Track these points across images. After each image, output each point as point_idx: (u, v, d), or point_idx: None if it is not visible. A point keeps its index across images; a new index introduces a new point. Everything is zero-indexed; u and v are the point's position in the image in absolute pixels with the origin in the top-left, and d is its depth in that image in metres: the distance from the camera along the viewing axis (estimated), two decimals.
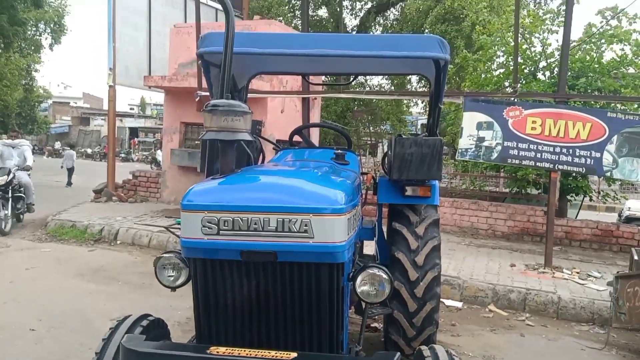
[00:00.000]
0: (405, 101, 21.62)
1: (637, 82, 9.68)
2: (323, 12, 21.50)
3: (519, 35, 9.00)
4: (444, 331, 4.95)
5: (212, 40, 3.26)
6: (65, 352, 4.14)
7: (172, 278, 2.65)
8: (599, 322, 5.58)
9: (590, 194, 10.77)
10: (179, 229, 2.47)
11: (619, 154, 6.96)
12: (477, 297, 6.12)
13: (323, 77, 12.41)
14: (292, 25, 19.00)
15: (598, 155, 6.98)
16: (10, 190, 8.89)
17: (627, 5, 12.86)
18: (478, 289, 6.17)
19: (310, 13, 19.78)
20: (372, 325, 4.94)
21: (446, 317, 5.47)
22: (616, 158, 6.97)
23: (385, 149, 4.88)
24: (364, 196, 4.21)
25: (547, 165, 7.20)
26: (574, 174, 9.19)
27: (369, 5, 21.41)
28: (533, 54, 10.81)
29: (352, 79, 5.65)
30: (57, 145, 43.50)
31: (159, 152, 25.21)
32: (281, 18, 19.27)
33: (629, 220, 12.65)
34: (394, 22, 21.25)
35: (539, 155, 7.15)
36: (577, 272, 7.03)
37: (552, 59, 10.43)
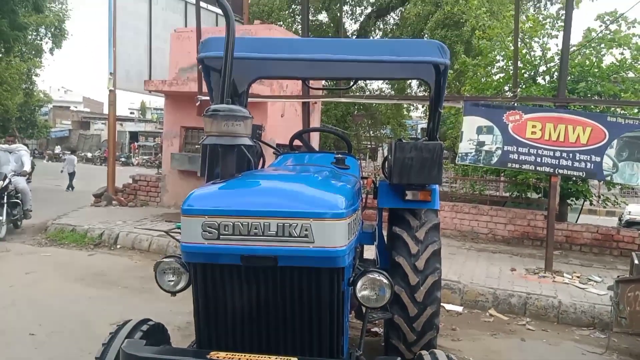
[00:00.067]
0: (405, 105, 21.66)
1: (636, 87, 9.70)
2: (323, 16, 21.58)
3: (519, 39, 9.01)
4: (444, 336, 4.94)
5: (213, 45, 3.27)
6: (65, 356, 4.13)
7: (172, 283, 2.66)
8: (600, 327, 5.56)
9: (591, 198, 10.78)
10: (179, 233, 2.47)
11: (619, 158, 6.96)
12: (478, 301, 6.11)
13: (323, 82, 12.43)
14: (293, 29, 19.04)
15: (598, 159, 6.99)
16: (5, 196, 8.76)
17: (626, 10, 12.90)
18: (478, 293, 6.16)
19: (311, 18, 19.84)
20: (372, 329, 4.92)
21: (447, 321, 5.46)
22: (616, 162, 6.98)
23: (386, 153, 4.88)
24: (364, 200, 4.21)
25: (547, 169, 7.21)
26: (574, 178, 9.20)
27: (369, 10, 21.49)
28: (533, 59, 10.83)
29: (352, 83, 5.64)
30: (57, 149, 43.56)
31: None
32: (281, 23, 19.33)
33: (630, 224, 12.67)
34: (394, 27, 21.31)
35: (539, 159, 7.15)
36: (578, 277, 7.02)
37: (552, 64, 10.45)
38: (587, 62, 10.16)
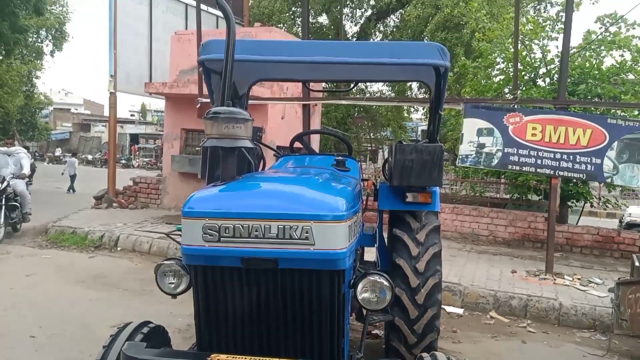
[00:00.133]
0: (405, 107, 21.66)
1: (636, 89, 9.70)
2: (323, 19, 21.59)
3: (519, 42, 9.02)
4: (445, 338, 4.94)
5: (213, 48, 3.27)
6: (66, 359, 4.12)
7: (172, 285, 2.66)
8: (601, 329, 5.56)
9: (591, 200, 10.78)
10: (180, 235, 2.47)
11: (620, 160, 6.96)
12: (478, 303, 6.11)
13: (323, 84, 12.44)
14: (293, 32, 19.06)
15: (598, 161, 6.99)
16: (4, 199, 8.68)
17: (626, 12, 12.91)
18: (479, 296, 6.15)
19: (311, 20, 19.86)
20: (373, 332, 4.92)
21: (447, 323, 5.45)
22: (617, 164, 6.98)
23: (386, 155, 4.89)
24: (364, 203, 4.21)
25: (547, 171, 7.21)
26: (574, 180, 9.20)
27: (369, 12, 21.50)
28: (533, 61, 10.84)
29: (352, 85, 5.64)
30: (58, 151, 43.59)
31: None
32: (282, 25, 19.36)
33: (630, 226, 12.65)
34: (394, 29, 21.33)
35: (539, 161, 7.15)
36: (579, 279, 7.02)
37: (552, 66, 10.45)
38: (587, 64, 10.16)
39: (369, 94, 20.66)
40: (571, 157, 7.04)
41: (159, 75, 12.60)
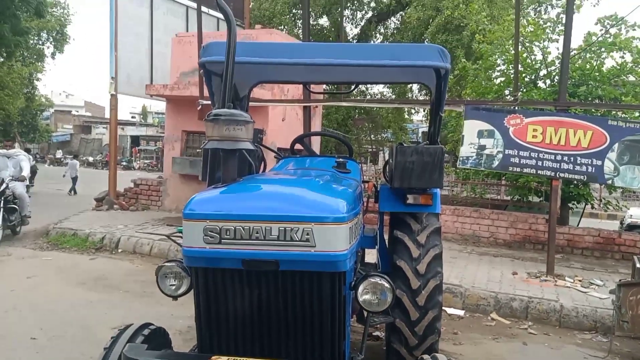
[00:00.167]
0: (406, 109, 21.67)
1: (637, 90, 9.71)
2: (324, 21, 21.61)
3: (520, 43, 9.03)
4: (446, 340, 4.94)
5: (214, 50, 3.28)
6: None
7: (173, 287, 2.66)
8: (602, 331, 5.55)
9: (592, 202, 10.77)
10: (181, 237, 2.47)
11: (620, 161, 6.96)
12: (479, 305, 6.10)
13: (324, 86, 12.45)
14: (294, 34, 19.08)
15: (599, 163, 6.98)
16: (2, 201, 8.59)
17: (627, 14, 12.91)
18: (480, 297, 6.15)
19: (312, 22, 19.88)
20: (374, 334, 4.92)
21: (448, 325, 5.45)
22: (617, 166, 6.98)
23: (387, 157, 4.88)
24: (365, 204, 4.21)
25: (548, 173, 7.20)
26: (575, 182, 9.19)
27: (370, 14, 21.53)
28: (533, 62, 10.84)
29: (353, 87, 5.65)
30: (59, 153, 43.62)
31: None
32: (282, 27, 19.38)
33: (631, 227, 12.66)
34: (395, 31, 21.35)
35: (540, 163, 7.15)
36: (580, 280, 7.01)
37: (553, 67, 10.46)
38: (588, 66, 10.17)
39: (369, 96, 20.68)
40: (572, 158, 7.04)
41: (159, 77, 12.61)
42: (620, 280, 5.59)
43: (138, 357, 2.31)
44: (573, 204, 10.51)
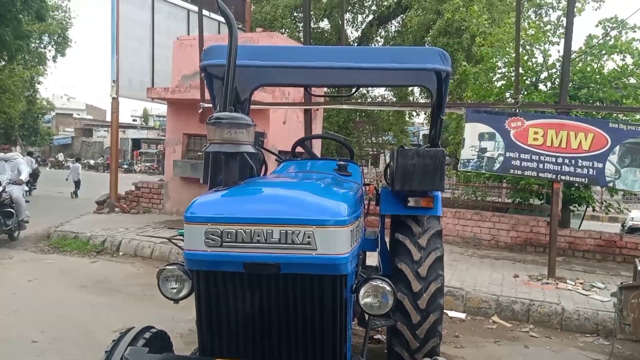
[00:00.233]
0: (407, 112, 21.67)
1: (638, 93, 9.71)
2: (325, 24, 21.67)
3: (520, 46, 9.04)
4: (447, 343, 4.93)
5: (215, 53, 3.29)
6: None
7: (175, 290, 2.66)
8: (604, 334, 5.54)
9: (593, 205, 10.76)
10: (182, 240, 2.47)
11: (622, 164, 6.96)
12: (481, 308, 6.09)
13: (325, 89, 12.46)
14: (295, 37, 19.11)
15: (600, 165, 6.98)
16: None
17: (627, 17, 12.92)
18: (481, 300, 6.14)
19: (312, 25, 19.93)
20: (375, 337, 4.91)
21: (449, 328, 5.44)
22: (618, 168, 6.97)
23: (387, 160, 4.89)
24: (366, 207, 4.21)
25: (549, 175, 7.20)
26: (576, 185, 9.18)
27: (371, 17, 21.56)
28: (534, 65, 10.85)
29: (354, 90, 5.66)
30: (60, 156, 43.68)
31: None
32: (283, 30, 19.41)
33: (632, 230, 12.62)
34: (396, 35, 21.37)
35: (541, 165, 7.15)
36: (581, 283, 7.00)
37: (553, 70, 10.47)
38: (589, 69, 10.18)
39: (370, 99, 20.69)
40: (573, 161, 7.04)
41: (161, 81, 12.64)
42: (621, 282, 5.57)
43: None
44: (574, 207, 10.50)
